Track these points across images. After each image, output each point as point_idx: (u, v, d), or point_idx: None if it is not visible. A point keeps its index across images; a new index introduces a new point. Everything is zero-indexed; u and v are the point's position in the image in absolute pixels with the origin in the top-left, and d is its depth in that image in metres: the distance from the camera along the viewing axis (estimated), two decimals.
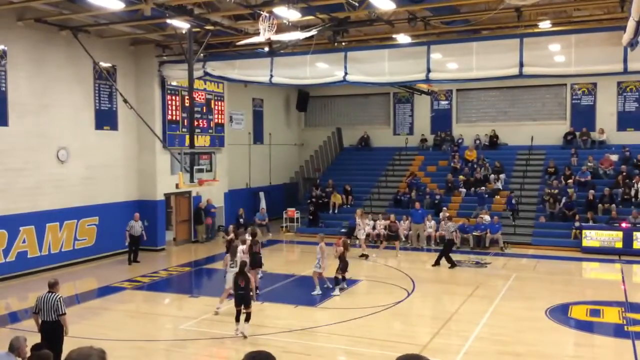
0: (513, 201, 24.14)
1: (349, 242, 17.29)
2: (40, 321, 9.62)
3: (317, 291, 15.51)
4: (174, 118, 22.87)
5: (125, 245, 20.15)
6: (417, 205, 23.91)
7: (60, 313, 9.53)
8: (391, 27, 18.36)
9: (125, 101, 20.96)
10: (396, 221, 22.00)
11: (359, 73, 18.74)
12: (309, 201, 27.45)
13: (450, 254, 19.36)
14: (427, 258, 21.61)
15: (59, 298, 9.61)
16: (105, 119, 20.92)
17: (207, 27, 18.20)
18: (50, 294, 9.65)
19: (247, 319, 12.03)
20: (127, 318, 14.00)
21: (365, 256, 20.74)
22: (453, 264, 19.05)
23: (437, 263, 19.28)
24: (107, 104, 20.95)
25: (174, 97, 22.92)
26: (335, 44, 18.85)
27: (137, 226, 20.31)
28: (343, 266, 15.95)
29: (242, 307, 11.96)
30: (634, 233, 20.99)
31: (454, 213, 24.27)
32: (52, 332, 9.46)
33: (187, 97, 21.10)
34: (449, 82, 26.38)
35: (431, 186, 26.69)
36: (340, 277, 15.91)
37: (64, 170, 19.31)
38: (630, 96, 27.22)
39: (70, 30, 18.73)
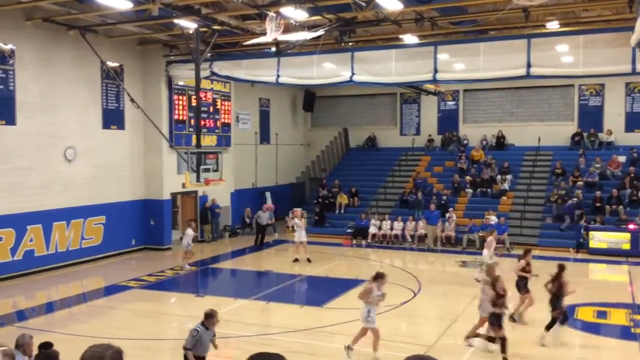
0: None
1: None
2: None
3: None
4: (180, 118, 22.91)
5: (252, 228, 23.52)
6: (432, 207, 23.78)
7: (183, 346, 8.93)
8: (398, 28, 18.34)
9: (132, 101, 21.02)
10: None
11: (365, 73, 18.71)
12: (315, 201, 27.48)
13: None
14: (433, 259, 21.60)
15: (190, 330, 8.95)
16: (113, 119, 20.98)
17: (214, 27, 18.23)
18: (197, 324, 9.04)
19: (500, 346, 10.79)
20: (133, 317, 14.04)
21: (296, 260, 20.19)
22: None
23: None
24: (114, 104, 21.01)
25: (180, 97, 22.97)
26: (342, 44, 18.82)
27: (264, 216, 23.25)
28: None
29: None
30: None
31: (460, 214, 24.22)
32: None
33: (194, 96, 21.15)
34: (456, 83, 26.34)
35: (438, 187, 26.63)
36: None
37: (71, 170, 19.38)
38: (638, 97, 27.04)
39: (78, 30, 18.79)
